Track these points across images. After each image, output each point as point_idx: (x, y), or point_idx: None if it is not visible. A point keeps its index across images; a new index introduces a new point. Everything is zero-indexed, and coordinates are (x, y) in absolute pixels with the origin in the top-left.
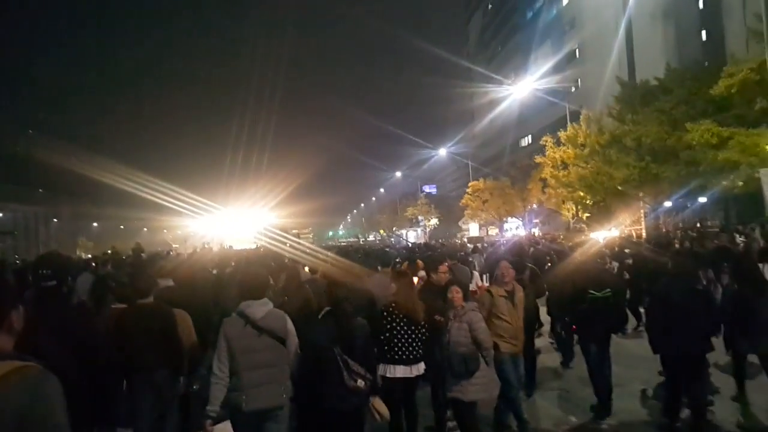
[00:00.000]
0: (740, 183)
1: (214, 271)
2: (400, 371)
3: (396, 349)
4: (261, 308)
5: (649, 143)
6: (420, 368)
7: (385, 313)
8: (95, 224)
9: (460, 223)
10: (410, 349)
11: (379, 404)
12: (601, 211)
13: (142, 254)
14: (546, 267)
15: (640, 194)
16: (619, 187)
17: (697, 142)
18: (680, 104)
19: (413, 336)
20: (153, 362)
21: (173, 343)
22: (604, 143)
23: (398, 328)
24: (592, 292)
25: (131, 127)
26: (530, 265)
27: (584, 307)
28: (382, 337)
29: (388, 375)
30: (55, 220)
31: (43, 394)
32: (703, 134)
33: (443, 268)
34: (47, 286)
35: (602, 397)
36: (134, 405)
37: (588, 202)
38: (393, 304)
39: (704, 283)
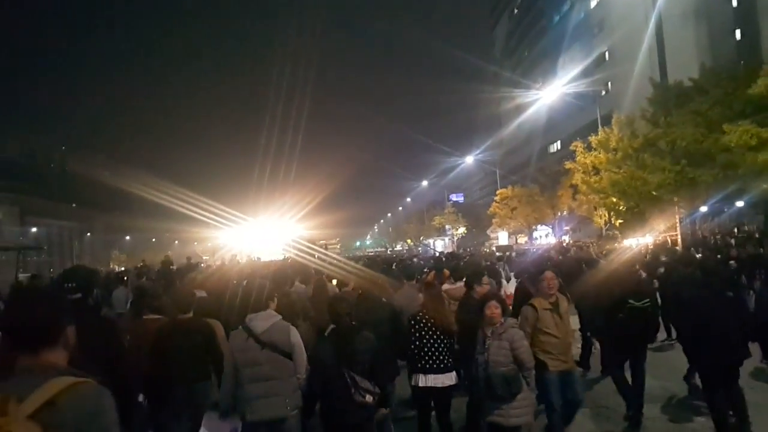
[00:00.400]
0: None
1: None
2: (430, 380)
3: (427, 358)
4: (264, 321)
5: (685, 146)
6: (451, 378)
7: (413, 323)
8: (128, 237)
9: (488, 232)
10: (440, 358)
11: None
12: (635, 218)
13: (172, 267)
14: (575, 276)
15: (675, 199)
16: (654, 193)
17: (735, 144)
18: (716, 105)
19: (442, 345)
20: (195, 375)
21: (216, 356)
22: (637, 147)
23: (426, 337)
24: (631, 302)
25: (161, 140)
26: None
27: (622, 317)
28: (412, 347)
29: (419, 384)
30: (88, 234)
31: (100, 410)
32: (742, 135)
33: (486, 279)
34: (72, 298)
35: (635, 407)
36: (171, 416)
37: (621, 208)
38: (420, 314)
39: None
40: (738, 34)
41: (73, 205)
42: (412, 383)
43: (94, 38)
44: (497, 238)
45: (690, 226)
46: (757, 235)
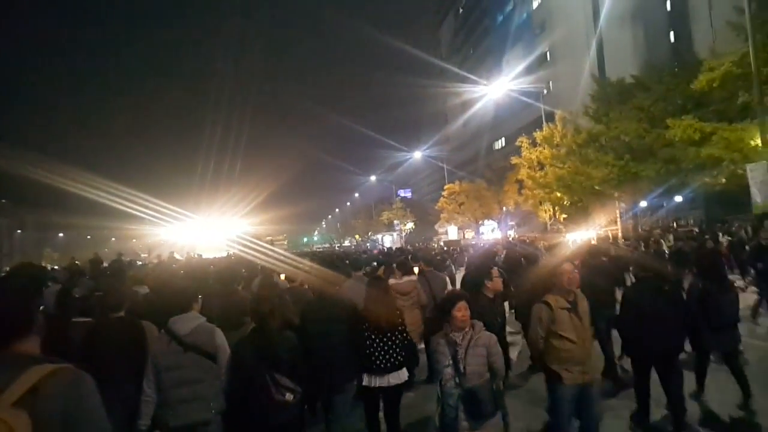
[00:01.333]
0: (723, 180)
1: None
2: (375, 380)
3: (372, 357)
4: (187, 323)
5: (628, 141)
6: (400, 376)
7: (357, 327)
8: (61, 234)
9: (436, 227)
10: (386, 356)
11: None
12: (579, 212)
13: (102, 265)
14: (515, 271)
15: (617, 194)
16: (597, 187)
17: (679, 139)
18: (658, 101)
19: (389, 343)
20: (122, 376)
21: (143, 356)
22: (581, 142)
23: (371, 335)
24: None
25: (98, 135)
26: (497, 269)
27: None
28: (359, 345)
29: (364, 384)
30: (18, 231)
31: (82, 393)
32: (686, 130)
33: (495, 272)
34: None
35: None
36: None
37: (565, 202)
38: (365, 312)
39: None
40: (672, 36)
41: (2, 200)
42: (364, 383)
43: (32, 31)
44: (446, 233)
45: (632, 220)
46: (695, 230)
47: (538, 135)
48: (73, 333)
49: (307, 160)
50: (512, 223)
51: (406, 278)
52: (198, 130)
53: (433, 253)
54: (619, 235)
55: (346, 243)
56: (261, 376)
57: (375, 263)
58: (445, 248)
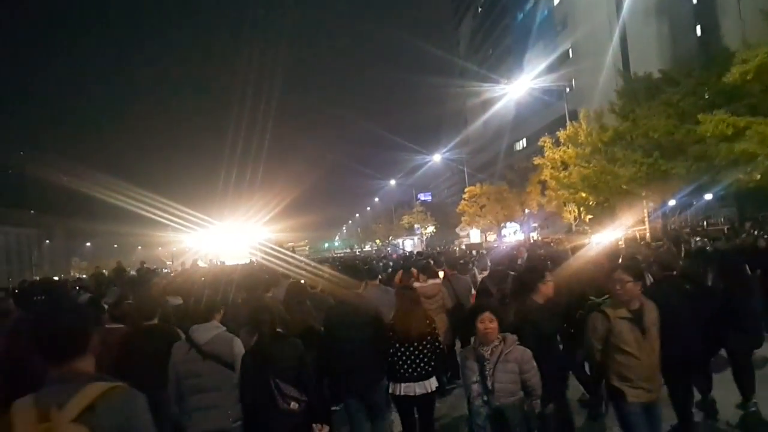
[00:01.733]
0: (758, 176)
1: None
2: (404, 389)
3: (397, 366)
4: (207, 332)
5: (656, 138)
6: (429, 385)
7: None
8: (88, 244)
9: (457, 230)
10: (413, 365)
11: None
12: (605, 212)
13: (126, 272)
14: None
15: (644, 193)
16: (624, 186)
17: (711, 134)
18: (688, 96)
19: (417, 352)
20: (155, 382)
21: None
22: (607, 140)
23: (400, 343)
24: (591, 298)
25: (124, 142)
26: (513, 273)
27: (582, 314)
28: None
29: (395, 393)
30: (47, 241)
31: (136, 411)
32: (718, 125)
33: (549, 276)
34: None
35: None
36: None
37: (591, 203)
38: (394, 320)
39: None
40: (699, 30)
41: (32, 211)
42: (389, 392)
43: (55, 40)
44: (467, 236)
45: (661, 219)
46: (726, 229)
47: (561, 134)
48: (107, 339)
49: (328, 165)
50: (535, 225)
51: (430, 281)
52: (221, 137)
53: (456, 256)
54: (647, 235)
55: (367, 248)
56: (266, 385)
57: (390, 269)
58: (467, 251)
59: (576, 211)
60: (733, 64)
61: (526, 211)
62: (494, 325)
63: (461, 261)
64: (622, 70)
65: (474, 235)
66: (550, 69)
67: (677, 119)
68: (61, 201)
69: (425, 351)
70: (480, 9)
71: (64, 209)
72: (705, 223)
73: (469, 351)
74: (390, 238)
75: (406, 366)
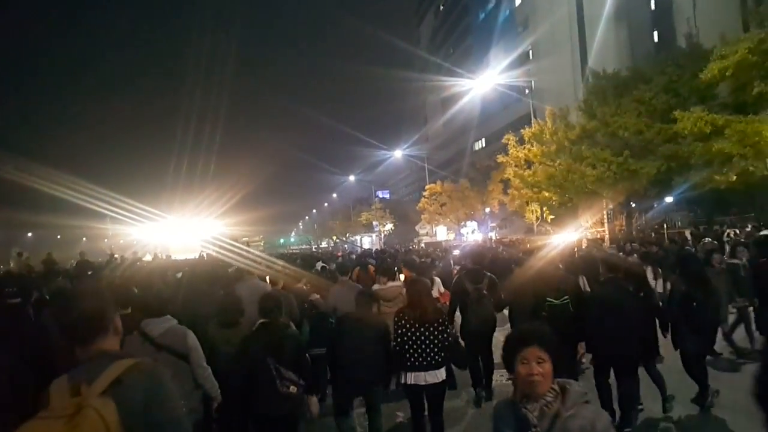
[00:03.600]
0: (733, 177)
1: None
2: (412, 378)
3: (408, 355)
4: (160, 325)
5: (626, 137)
6: (438, 375)
7: (395, 319)
8: (30, 234)
9: (417, 228)
10: (423, 355)
11: (312, 402)
12: (568, 213)
13: (56, 265)
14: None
15: (608, 194)
16: (591, 186)
17: (689, 132)
18: (660, 93)
19: (426, 341)
20: None
21: None
22: (574, 138)
23: (408, 333)
24: (550, 300)
25: (69, 132)
26: (489, 273)
27: (543, 316)
28: (397, 344)
29: (405, 382)
30: None
31: (160, 383)
32: (696, 122)
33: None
34: (11, 303)
35: None
36: None
37: (554, 202)
38: (403, 310)
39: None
40: (656, 35)
41: None
42: (401, 381)
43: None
44: (427, 234)
45: (620, 221)
46: (688, 233)
47: (526, 132)
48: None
49: (284, 160)
50: (493, 224)
51: (390, 284)
52: (171, 128)
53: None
54: (606, 237)
55: (324, 244)
56: (267, 369)
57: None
58: (428, 250)
59: (538, 211)
60: (711, 60)
61: (487, 210)
62: (546, 368)
63: (421, 261)
64: (591, 68)
65: (440, 233)
66: (511, 68)
67: (648, 117)
68: (3, 191)
69: (435, 340)
70: (441, 7)
71: (5, 199)
72: (665, 225)
73: (505, 407)
74: (347, 234)
75: (416, 355)
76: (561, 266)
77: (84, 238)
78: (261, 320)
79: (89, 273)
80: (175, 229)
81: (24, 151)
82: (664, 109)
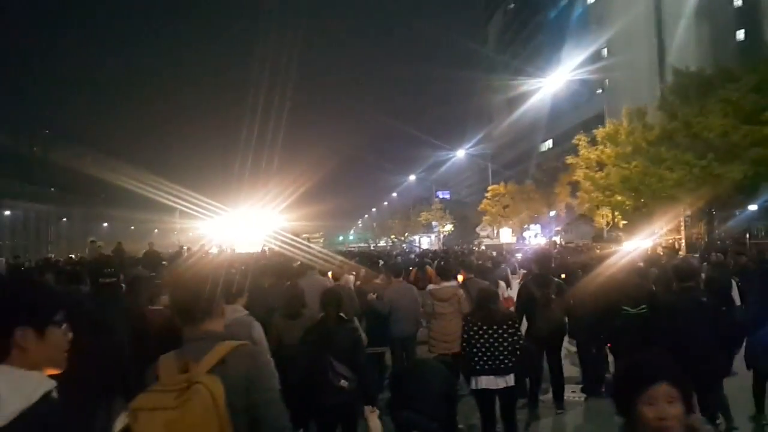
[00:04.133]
0: None
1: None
2: (483, 382)
3: (476, 359)
4: (228, 316)
5: (710, 138)
6: (508, 380)
7: (463, 323)
8: (105, 224)
9: (477, 229)
10: (492, 358)
11: (371, 417)
12: (642, 218)
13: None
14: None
15: (687, 199)
16: (669, 190)
17: None
18: (749, 93)
19: (496, 344)
20: None
21: None
22: (652, 140)
23: (476, 336)
24: (625, 309)
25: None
26: (557, 279)
27: (617, 324)
28: (466, 347)
29: (473, 387)
30: (64, 219)
31: (260, 363)
32: None
33: None
34: (110, 281)
35: None
36: None
37: (628, 207)
38: (471, 312)
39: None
40: (741, 34)
41: (52, 189)
42: (470, 386)
43: (83, 28)
44: (489, 236)
45: (705, 228)
46: None
47: (599, 132)
48: (152, 321)
49: (346, 157)
50: (557, 228)
51: (445, 284)
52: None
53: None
54: (683, 245)
55: (382, 243)
56: (321, 362)
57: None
58: (489, 253)
59: (609, 215)
60: None
61: (552, 213)
62: (678, 409)
63: (479, 263)
64: (674, 66)
65: (504, 235)
66: (583, 66)
67: (735, 118)
68: (82, 184)
69: (505, 343)
70: (511, 5)
71: (84, 192)
72: (748, 235)
73: None
74: (406, 234)
75: (485, 358)
76: (637, 274)
77: (156, 230)
78: (322, 314)
79: (162, 263)
80: (239, 223)
81: (100, 146)
82: (752, 109)
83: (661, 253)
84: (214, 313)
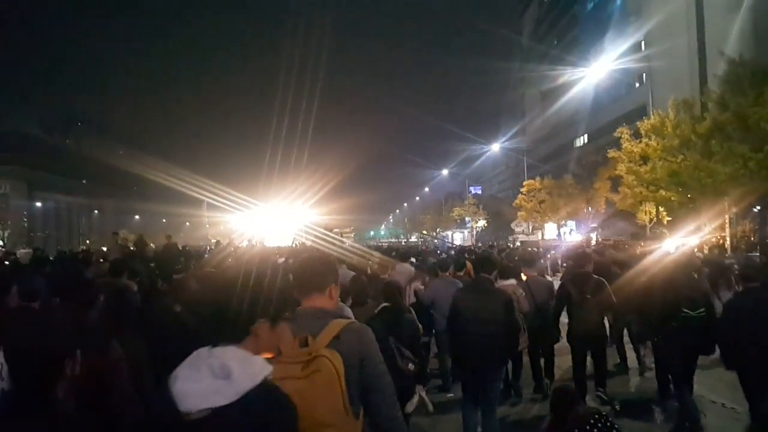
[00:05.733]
0: None
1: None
2: None
3: None
4: None
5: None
6: None
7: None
8: (137, 217)
9: (513, 225)
10: None
11: (424, 395)
12: (688, 214)
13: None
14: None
15: (738, 194)
16: (721, 185)
17: None
18: None
19: None
20: None
21: None
22: (703, 132)
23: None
24: (685, 311)
25: (174, 123)
26: (596, 276)
27: (675, 327)
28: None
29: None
30: (96, 212)
31: (369, 340)
32: None
33: None
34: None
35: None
36: None
37: (674, 202)
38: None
39: None
40: None
41: (84, 181)
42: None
43: (118, 24)
44: (524, 232)
45: (759, 225)
46: None
47: (643, 124)
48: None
49: (376, 151)
50: (593, 225)
51: (503, 282)
52: (267, 118)
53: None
54: (728, 243)
55: (413, 239)
56: (389, 348)
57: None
58: (535, 250)
59: (653, 211)
60: None
61: (589, 209)
62: None
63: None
64: (725, 54)
65: (548, 231)
66: (622, 58)
67: None
68: (114, 176)
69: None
70: None
71: (116, 184)
72: None
73: None
74: (437, 229)
75: None
76: (695, 274)
77: (187, 224)
78: (384, 303)
79: (181, 258)
80: (269, 217)
81: (132, 140)
82: None
83: (706, 252)
84: (324, 292)
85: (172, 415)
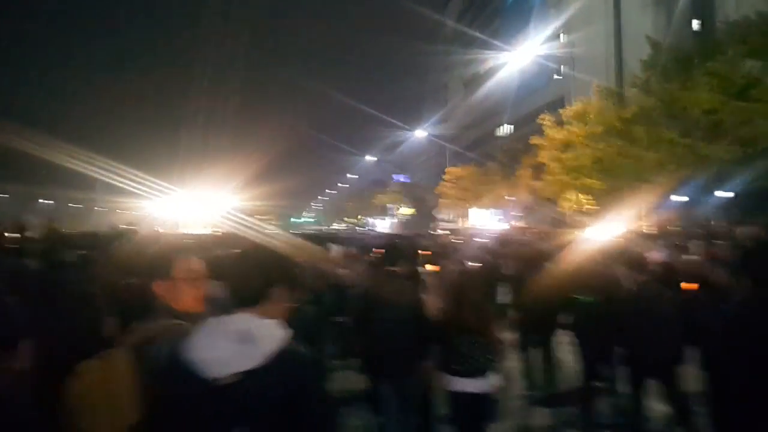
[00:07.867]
0: None
1: None
2: (459, 385)
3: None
4: None
5: (696, 116)
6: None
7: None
8: (42, 201)
9: (433, 212)
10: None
11: None
12: (613, 203)
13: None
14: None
15: (664, 181)
16: (648, 172)
17: None
18: (738, 65)
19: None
20: None
21: None
22: (629, 118)
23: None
24: (579, 297)
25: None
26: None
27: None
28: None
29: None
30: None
31: None
32: None
33: None
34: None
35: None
36: None
37: (598, 190)
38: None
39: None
40: (695, 24)
41: None
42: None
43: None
44: (448, 220)
45: (681, 214)
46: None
47: (569, 110)
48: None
49: (297, 137)
50: (513, 213)
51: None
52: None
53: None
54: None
55: (335, 226)
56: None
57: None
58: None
59: (576, 199)
60: None
61: (510, 197)
62: None
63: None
64: (650, 37)
65: (474, 217)
66: (544, 45)
67: (722, 93)
68: (15, 161)
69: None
70: None
71: (18, 169)
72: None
73: None
74: (359, 216)
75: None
76: (601, 261)
77: (96, 208)
78: None
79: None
80: (187, 203)
81: (36, 123)
82: (742, 83)
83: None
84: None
85: (201, 382)
